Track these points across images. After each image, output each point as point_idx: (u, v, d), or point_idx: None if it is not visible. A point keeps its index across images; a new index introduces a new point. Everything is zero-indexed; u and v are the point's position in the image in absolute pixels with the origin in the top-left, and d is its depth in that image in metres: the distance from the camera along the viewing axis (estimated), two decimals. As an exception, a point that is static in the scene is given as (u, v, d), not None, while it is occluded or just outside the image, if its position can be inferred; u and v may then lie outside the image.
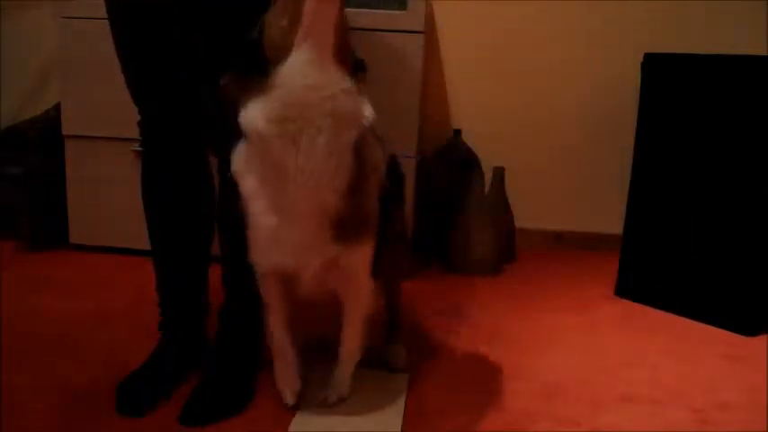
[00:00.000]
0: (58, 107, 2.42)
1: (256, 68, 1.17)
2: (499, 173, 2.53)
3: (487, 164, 2.55)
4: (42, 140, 2.46)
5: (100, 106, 2.27)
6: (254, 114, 1.16)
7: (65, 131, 2.36)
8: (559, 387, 1.59)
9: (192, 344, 1.58)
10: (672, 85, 2.06)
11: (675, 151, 2.07)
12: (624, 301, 2.18)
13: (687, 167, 2.04)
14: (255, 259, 1.33)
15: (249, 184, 1.26)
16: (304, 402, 1.45)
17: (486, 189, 2.50)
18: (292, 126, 1.15)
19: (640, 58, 2.12)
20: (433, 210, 2.60)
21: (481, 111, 2.68)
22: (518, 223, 2.63)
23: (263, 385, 1.52)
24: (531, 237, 2.72)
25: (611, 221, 2.48)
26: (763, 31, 2.48)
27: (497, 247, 2.41)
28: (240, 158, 1.27)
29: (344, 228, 1.25)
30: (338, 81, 1.16)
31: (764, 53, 2.37)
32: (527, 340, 1.85)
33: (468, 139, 2.62)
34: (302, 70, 1.14)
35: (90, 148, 2.33)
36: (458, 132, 2.60)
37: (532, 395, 1.55)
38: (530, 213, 2.70)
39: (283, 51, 1.15)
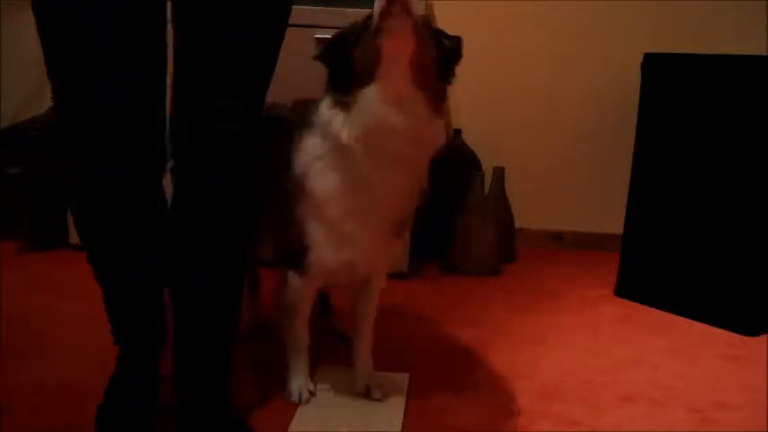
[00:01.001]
0: (58, 107, 2.42)
1: (344, 85, 1.23)
2: (499, 173, 2.53)
3: (487, 164, 2.55)
4: (42, 140, 2.46)
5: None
6: (339, 127, 1.22)
7: (65, 131, 2.36)
8: (559, 387, 1.59)
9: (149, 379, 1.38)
10: (672, 85, 2.06)
11: (675, 151, 2.07)
12: (624, 301, 2.18)
13: (687, 167, 2.04)
14: (318, 258, 1.34)
15: (325, 184, 1.29)
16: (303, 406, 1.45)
17: (486, 189, 2.50)
18: (375, 148, 1.22)
19: (640, 58, 2.12)
20: (432, 210, 2.60)
21: (481, 111, 2.68)
22: (518, 223, 2.63)
23: (262, 386, 1.52)
24: (531, 237, 2.72)
25: (612, 221, 2.47)
26: (763, 31, 2.48)
27: (497, 248, 2.41)
28: (313, 158, 1.29)
29: (402, 225, 1.36)
30: (416, 111, 1.23)
31: (764, 53, 2.37)
32: (527, 340, 1.85)
33: (469, 139, 2.62)
34: (382, 103, 1.20)
35: (90, 148, 2.33)
36: (458, 132, 2.60)
37: (532, 395, 1.55)
38: (530, 213, 2.70)
39: (367, 80, 1.21)
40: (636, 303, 2.15)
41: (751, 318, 1.95)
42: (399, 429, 1.37)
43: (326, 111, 1.25)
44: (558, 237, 2.74)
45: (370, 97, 1.21)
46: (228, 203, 1.26)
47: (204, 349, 1.33)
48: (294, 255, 1.37)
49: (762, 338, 1.91)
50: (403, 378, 1.58)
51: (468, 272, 2.37)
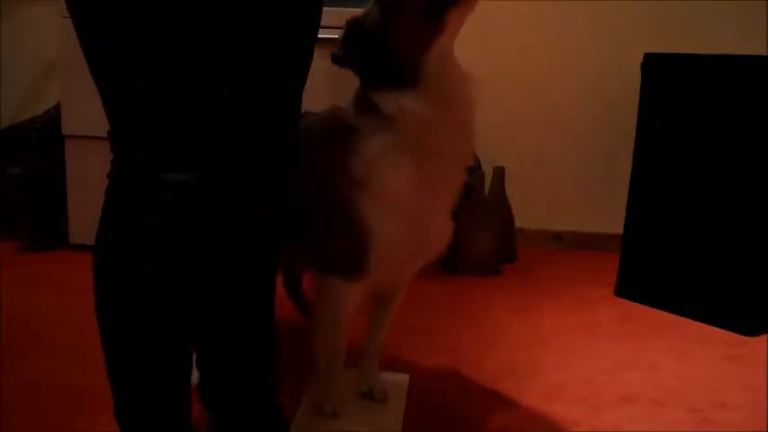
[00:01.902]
0: (58, 107, 2.42)
1: (387, 73, 1.20)
2: (499, 173, 2.53)
3: (487, 164, 2.55)
4: (42, 140, 2.46)
5: (100, 106, 2.27)
6: (405, 102, 1.18)
7: (65, 131, 2.36)
8: (559, 387, 1.59)
9: None
10: (672, 85, 2.06)
11: (675, 151, 2.07)
12: (624, 301, 2.18)
13: (687, 167, 2.04)
14: (385, 255, 1.25)
15: (395, 175, 1.22)
16: (304, 406, 1.45)
17: (486, 189, 2.50)
18: (448, 119, 1.22)
19: (640, 58, 2.12)
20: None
21: (481, 111, 2.67)
22: (518, 223, 2.63)
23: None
24: (531, 237, 2.72)
25: (612, 221, 2.48)
26: (764, 31, 2.48)
27: (497, 248, 2.41)
28: (378, 153, 1.22)
29: (456, 201, 1.33)
30: (465, 70, 1.26)
31: (764, 53, 2.37)
32: (527, 340, 1.85)
33: (468, 139, 2.62)
34: (446, 66, 1.21)
35: (90, 148, 2.33)
36: (458, 132, 2.60)
37: (532, 395, 1.55)
38: (530, 213, 2.70)
39: (422, 50, 1.18)
40: (636, 303, 2.15)
41: (751, 318, 1.95)
42: (399, 429, 1.37)
43: (389, 101, 1.19)
44: (558, 237, 2.74)
45: (438, 64, 1.19)
46: (229, 203, 1.15)
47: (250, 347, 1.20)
48: (349, 261, 1.26)
49: (762, 338, 1.91)
50: (403, 378, 1.58)
51: (469, 272, 2.37)
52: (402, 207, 1.23)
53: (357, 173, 1.22)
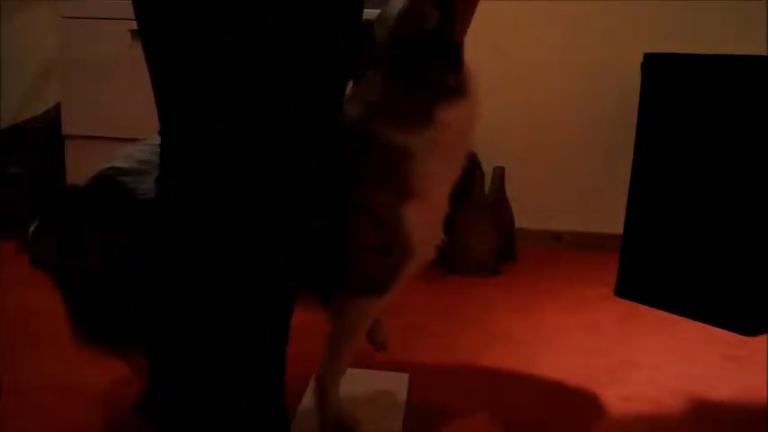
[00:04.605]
0: (58, 107, 2.42)
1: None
2: (499, 173, 2.53)
3: (487, 164, 2.55)
4: (42, 140, 2.46)
5: (100, 106, 2.27)
6: (456, 114, 1.26)
7: (65, 131, 2.36)
8: (559, 387, 1.59)
9: None
10: (672, 85, 2.06)
11: (675, 151, 2.07)
12: (624, 301, 2.18)
13: (687, 167, 2.04)
14: (419, 260, 1.24)
15: (437, 178, 1.23)
16: (304, 405, 1.45)
17: (486, 189, 2.50)
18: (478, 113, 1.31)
19: (640, 58, 2.12)
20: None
21: (481, 111, 2.68)
22: (518, 223, 2.63)
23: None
24: (531, 237, 2.72)
25: (612, 221, 2.47)
26: (764, 31, 2.48)
27: (497, 248, 2.41)
28: (435, 170, 1.21)
29: None
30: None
31: (764, 53, 2.37)
32: (527, 340, 1.85)
33: (468, 139, 2.62)
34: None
35: (90, 148, 2.33)
36: (458, 132, 2.60)
37: (533, 395, 1.55)
38: (530, 213, 2.70)
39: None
40: (636, 303, 2.15)
41: (751, 318, 1.95)
42: (400, 429, 1.37)
43: (450, 114, 1.24)
44: (558, 237, 2.74)
45: (469, 71, 1.27)
46: (224, 203, 1.08)
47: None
48: (390, 279, 1.23)
49: (762, 338, 1.91)
50: (403, 378, 1.58)
51: (468, 272, 2.37)
52: (441, 216, 1.27)
53: (412, 195, 1.19)
